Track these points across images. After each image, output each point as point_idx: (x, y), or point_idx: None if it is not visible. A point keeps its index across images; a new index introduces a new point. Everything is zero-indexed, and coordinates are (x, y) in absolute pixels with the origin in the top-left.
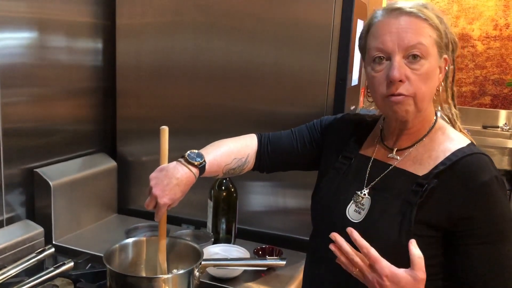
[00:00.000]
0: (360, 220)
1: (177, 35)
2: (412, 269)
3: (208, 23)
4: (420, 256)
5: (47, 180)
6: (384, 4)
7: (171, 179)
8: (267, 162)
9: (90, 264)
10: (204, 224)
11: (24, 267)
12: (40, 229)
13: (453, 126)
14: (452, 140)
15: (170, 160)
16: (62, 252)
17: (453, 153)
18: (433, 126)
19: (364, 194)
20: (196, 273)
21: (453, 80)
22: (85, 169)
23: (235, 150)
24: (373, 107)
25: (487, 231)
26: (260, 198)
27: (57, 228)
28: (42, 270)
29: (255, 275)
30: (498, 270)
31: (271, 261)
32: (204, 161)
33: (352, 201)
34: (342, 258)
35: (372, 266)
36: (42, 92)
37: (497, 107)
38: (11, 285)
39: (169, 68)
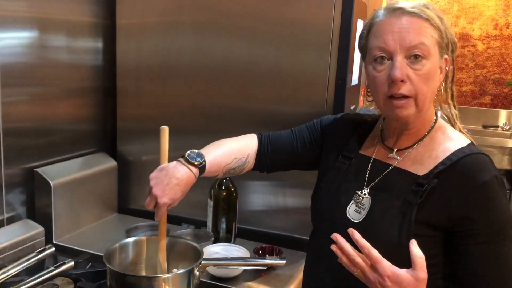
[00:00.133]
0: (361, 220)
1: (178, 35)
2: (413, 269)
3: (208, 22)
4: (421, 256)
5: (48, 179)
6: (384, 4)
7: (171, 179)
8: (267, 162)
9: (90, 264)
10: (204, 224)
11: (24, 266)
12: (40, 229)
13: (453, 126)
14: (452, 140)
15: (170, 160)
16: (62, 252)
17: (453, 153)
18: (433, 126)
19: (365, 194)
20: (196, 273)
21: (452, 81)
22: (86, 168)
23: (235, 150)
24: (373, 106)
25: (487, 231)
26: (260, 197)
27: (57, 228)
28: (43, 270)
29: (255, 275)
30: (498, 270)
31: (271, 260)
32: (204, 161)
33: (352, 201)
34: (344, 259)
35: (373, 267)
36: (42, 92)
37: (497, 107)
38: (12, 284)
39: (170, 67)
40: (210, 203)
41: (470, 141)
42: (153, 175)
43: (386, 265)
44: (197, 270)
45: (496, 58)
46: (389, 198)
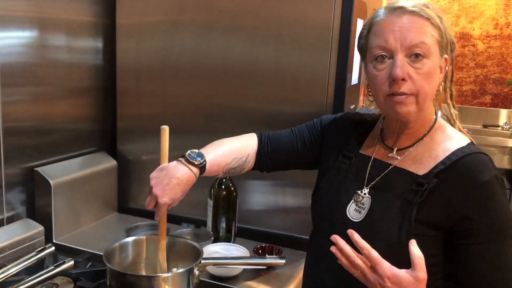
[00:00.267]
0: (361, 219)
1: (178, 34)
2: (413, 270)
3: (208, 22)
4: (421, 256)
5: (48, 179)
6: (384, 4)
7: (172, 178)
8: (267, 162)
9: (90, 263)
10: (204, 223)
11: (24, 265)
12: (40, 228)
13: (453, 126)
14: (452, 139)
15: (170, 160)
16: (62, 251)
17: (453, 153)
18: (433, 126)
19: (365, 194)
20: (196, 272)
21: (451, 80)
22: (86, 168)
23: (235, 149)
24: (373, 106)
25: (487, 231)
26: (260, 197)
27: (57, 227)
28: (42, 269)
29: (254, 274)
30: (498, 269)
31: (270, 260)
32: (205, 160)
33: (352, 201)
34: (343, 260)
35: (373, 268)
36: (42, 91)
37: (497, 106)
38: (11, 283)
39: (170, 67)
40: (210, 202)
41: (470, 141)
42: (153, 174)
43: (385, 266)
44: (197, 270)
45: (497, 58)
46: (389, 198)
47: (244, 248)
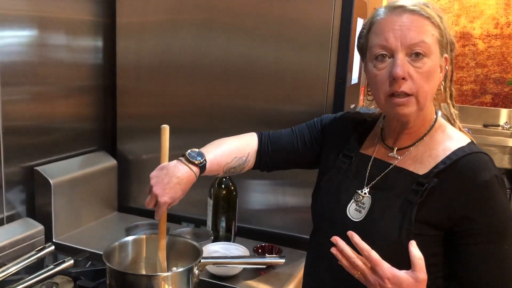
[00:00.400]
0: (361, 219)
1: (178, 33)
2: (413, 270)
3: (208, 21)
4: (421, 257)
5: (48, 178)
6: (384, 3)
7: (172, 178)
8: (267, 161)
9: (90, 262)
10: (204, 222)
11: (24, 265)
12: (40, 227)
13: (453, 125)
14: (452, 139)
15: (170, 159)
16: (62, 250)
17: (453, 152)
18: (433, 125)
19: (365, 193)
20: (196, 271)
21: (451, 80)
22: (86, 167)
23: (236, 149)
24: (373, 105)
25: (487, 230)
26: (260, 196)
27: (57, 226)
28: (42, 268)
29: (254, 273)
30: (498, 269)
31: (270, 259)
32: (205, 160)
33: (352, 200)
34: (344, 261)
35: (373, 269)
36: (42, 90)
37: (498, 106)
38: (11, 283)
39: (170, 66)
40: (210, 202)
41: (470, 140)
42: (153, 174)
43: (386, 267)
44: (197, 269)
45: (497, 57)
46: (389, 197)
47: (244, 248)
